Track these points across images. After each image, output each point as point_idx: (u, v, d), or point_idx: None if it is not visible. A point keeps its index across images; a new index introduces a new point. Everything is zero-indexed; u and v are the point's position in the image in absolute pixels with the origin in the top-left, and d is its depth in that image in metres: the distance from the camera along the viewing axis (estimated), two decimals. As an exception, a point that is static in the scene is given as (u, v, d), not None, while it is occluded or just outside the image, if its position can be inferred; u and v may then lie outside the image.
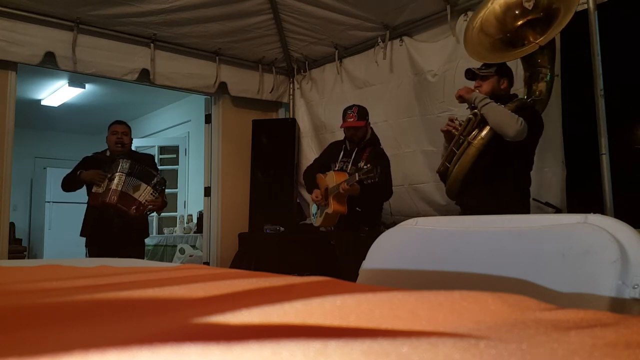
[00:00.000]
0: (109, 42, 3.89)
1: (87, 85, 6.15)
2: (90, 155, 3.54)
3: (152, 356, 0.28)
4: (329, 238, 4.01)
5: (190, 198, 6.68)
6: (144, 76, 4.06)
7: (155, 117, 7.63)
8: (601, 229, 0.78)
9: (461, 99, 2.49)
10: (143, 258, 3.61)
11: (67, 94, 6.39)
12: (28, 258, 7.16)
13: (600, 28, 2.68)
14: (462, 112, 2.80)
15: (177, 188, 6.77)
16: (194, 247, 5.57)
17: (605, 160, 2.60)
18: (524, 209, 2.40)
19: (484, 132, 2.34)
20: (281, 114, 5.06)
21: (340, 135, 3.96)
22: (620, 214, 2.29)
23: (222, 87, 4.52)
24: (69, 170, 3.50)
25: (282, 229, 4.35)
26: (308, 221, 4.55)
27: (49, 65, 3.70)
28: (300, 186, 4.66)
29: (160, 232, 6.60)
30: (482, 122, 2.36)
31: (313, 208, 3.40)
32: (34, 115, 7.10)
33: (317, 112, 4.65)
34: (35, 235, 7.84)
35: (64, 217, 7.09)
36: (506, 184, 2.36)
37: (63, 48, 3.67)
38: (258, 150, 4.71)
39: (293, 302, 0.41)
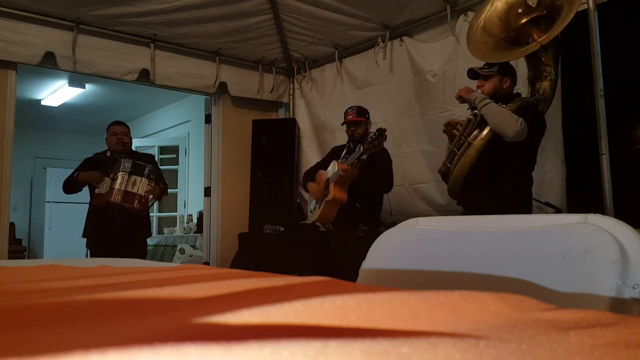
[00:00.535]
0: (109, 42, 3.89)
1: (87, 85, 6.15)
2: (90, 156, 3.55)
3: (152, 356, 0.28)
4: (328, 238, 4.01)
5: (190, 198, 6.68)
6: (144, 76, 4.06)
7: (155, 117, 7.63)
8: (601, 229, 0.78)
9: (461, 99, 2.49)
10: (145, 258, 3.62)
11: (67, 94, 6.39)
12: (28, 258, 7.15)
13: (600, 28, 2.68)
14: (463, 112, 2.81)
15: (177, 188, 6.77)
16: (194, 247, 5.57)
17: (605, 160, 2.60)
18: (525, 209, 2.39)
19: (484, 133, 2.34)
20: (281, 114, 5.06)
21: (340, 136, 3.97)
22: (620, 214, 2.29)
23: (222, 87, 4.52)
24: (69, 170, 3.51)
25: (282, 229, 4.35)
26: (308, 221, 4.55)
27: (49, 65, 3.70)
28: (300, 186, 4.66)
29: (160, 232, 6.60)
30: (482, 123, 2.36)
31: (311, 204, 3.38)
32: (34, 115, 7.09)
33: (317, 112, 4.65)
34: (35, 235, 7.84)
35: (64, 217, 7.09)
36: (506, 184, 2.36)
37: (63, 48, 3.67)
38: (258, 150, 4.71)
39: (293, 302, 0.41)
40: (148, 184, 3.36)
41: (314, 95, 4.69)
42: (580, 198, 2.92)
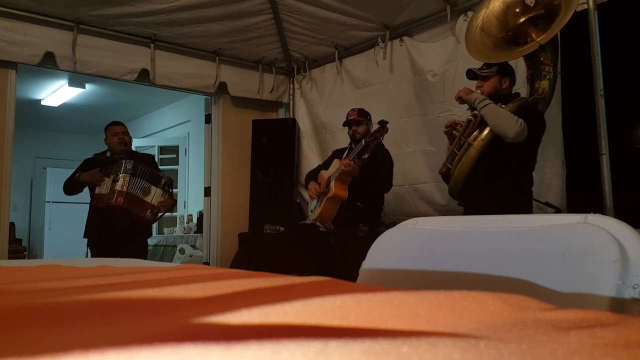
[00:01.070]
0: (109, 42, 3.89)
1: (87, 85, 6.15)
2: (90, 156, 3.54)
3: (152, 356, 0.28)
4: (328, 238, 4.01)
5: (190, 198, 6.68)
6: (144, 76, 4.06)
7: (155, 117, 7.63)
8: (601, 229, 0.78)
9: (461, 100, 2.49)
10: (146, 258, 3.62)
11: (67, 94, 6.39)
12: (28, 258, 7.15)
13: (600, 28, 2.68)
14: (463, 113, 2.81)
15: (177, 188, 6.76)
16: (194, 247, 5.57)
17: (605, 160, 2.60)
18: (525, 209, 2.39)
19: (483, 133, 2.34)
20: (281, 114, 5.06)
21: (340, 136, 3.97)
22: (620, 214, 2.29)
23: (222, 87, 4.52)
24: (68, 170, 3.50)
25: (282, 229, 4.35)
26: (308, 221, 4.55)
27: (49, 65, 3.70)
28: (300, 186, 4.66)
29: (160, 232, 6.59)
30: (482, 123, 2.36)
31: (312, 204, 3.39)
32: (34, 115, 7.09)
33: (317, 112, 4.65)
34: (35, 235, 7.84)
35: (64, 217, 7.09)
36: (506, 184, 2.36)
37: (63, 48, 3.67)
38: (258, 150, 4.71)
39: (293, 302, 0.41)
40: (162, 195, 3.35)
41: (314, 95, 4.69)
42: (580, 198, 2.92)
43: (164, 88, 4.39)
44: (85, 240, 3.43)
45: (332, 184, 3.08)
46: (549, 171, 2.94)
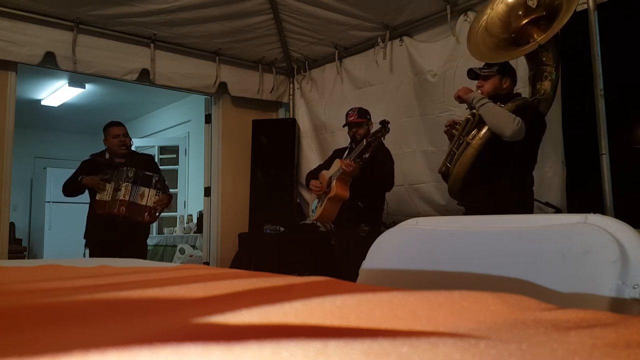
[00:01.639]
0: (109, 42, 3.89)
1: (87, 85, 6.15)
2: (88, 158, 3.52)
3: (152, 356, 0.28)
4: (329, 238, 4.01)
5: (190, 198, 6.68)
6: (144, 76, 4.06)
7: (155, 117, 7.63)
8: (601, 229, 0.78)
9: (460, 99, 2.50)
10: (145, 258, 3.62)
11: (67, 94, 6.39)
12: (28, 258, 7.15)
13: (600, 28, 2.68)
14: (462, 112, 2.80)
15: (177, 188, 6.77)
16: (194, 247, 5.57)
17: (605, 160, 2.60)
18: (525, 208, 2.39)
19: (481, 132, 2.34)
20: (281, 114, 5.06)
21: (340, 136, 3.97)
22: (620, 214, 2.29)
23: (222, 87, 4.52)
24: (68, 171, 3.50)
25: (282, 229, 4.35)
26: (308, 221, 4.55)
27: (49, 65, 3.69)
28: (300, 186, 4.66)
29: (160, 232, 6.60)
30: (480, 122, 2.37)
31: (313, 204, 3.39)
32: (34, 115, 7.09)
33: (317, 112, 4.65)
34: (35, 235, 7.84)
35: (64, 217, 7.09)
36: (504, 183, 2.36)
37: (63, 48, 3.67)
38: (258, 150, 4.71)
39: (293, 302, 0.40)
40: (156, 194, 3.34)
41: (314, 95, 4.69)
42: (580, 198, 2.92)
43: (164, 88, 4.39)
44: (85, 240, 3.44)
45: (334, 184, 3.08)
46: (549, 171, 2.94)
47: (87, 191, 3.42)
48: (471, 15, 3.30)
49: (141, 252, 3.42)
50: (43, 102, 6.71)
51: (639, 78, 2.71)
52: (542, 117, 2.41)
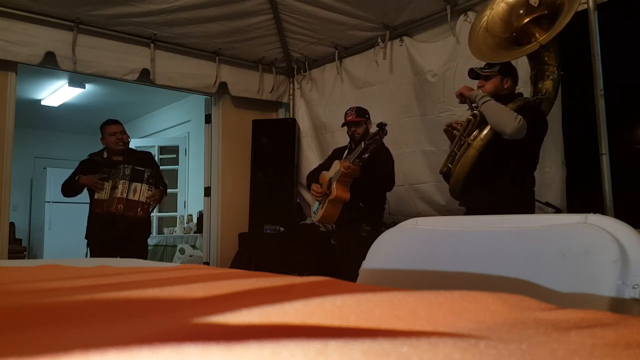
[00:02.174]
0: (109, 42, 3.89)
1: (87, 85, 6.15)
2: (86, 158, 3.52)
3: (152, 356, 0.28)
4: (329, 238, 4.01)
5: (190, 198, 6.68)
6: (144, 76, 4.06)
7: (155, 117, 7.63)
8: (601, 229, 0.78)
9: (462, 96, 2.49)
10: (146, 257, 3.63)
11: (67, 94, 6.39)
12: (28, 258, 7.15)
13: (600, 28, 2.68)
14: (462, 112, 2.80)
15: (177, 188, 6.77)
16: (194, 247, 5.57)
17: (605, 160, 2.60)
18: (525, 209, 2.39)
19: (483, 133, 2.34)
20: (281, 114, 5.06)
21: (340, 136, 3.97)
22: (620, 214, 2.29)
23: (222, 87, 4.52)
24: (68, 171, 3.50)
25: (282, 229, 4.35)
26: (308, 221, 4.55)
27: (49, 65, 3.69)
28: (300, 186, 4.66)
29: (160, 232, 6.59)
30: (481, 123, 2.36)
31: (314, 205, 3.40)
32: (34, 115, 7.09)
33: (317, 112, 4.65)
34: (35, 235, 7.84)
35: (64, 217, 7.09)
36: (504, 183, 2.36)
37: (63, 48, 3.67)
38: (258, 150, 4.71)
39: (293, 302, 0.40)
40: (148, 189, 3.35)
41: (314, 95, 4.69)
42: (580, 198, 2.92)
43: (165, 88, 4.39)
44: (86, 241, 3.44)
45: (334, 185, 3.08)
46: (549, 171, 2.94)
47: (86, 191, 3.43)
48: (471, 15, 3.30)
49: (141, 251, 3.43)
50: (43, 102, 6.71)
51: (639, 78, 2.71)
52: (544, 117, 2.41)
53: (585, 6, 2.69)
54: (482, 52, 2.54)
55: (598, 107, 2.64)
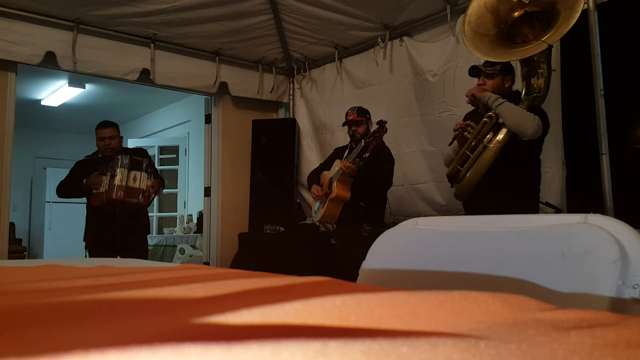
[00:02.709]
0: (109, 42, 3.89)
1: (87, 85, 6.15)
2: (82, 159, 3.51)
3: (152, 356, 0.28)
4: (329, 238, 4.01)
5: (190, 198, 6.67)
6: (144, 76, 4.06)
7: (155, 117, 7.63)
8: (601, 229, 0.78)
9: (473, 98, 2.44)
10: (147, 252, 3.64)
11: (67, 94, 6.39)
12: (28, 258, 7.16)
13: (600, 28, 2.68)
14: (462, 112, 2.80)
15: (177, 188, 6.77)
16: (194, 247, 5.57)
17: (605, 160, 2.59)
18: (531, 209, 2.38)
19: (500, 136, 2.29)
20: (281, 114, 5.06)
21: (340, 136, 3.98)
22: (620, 214, 2.29)
23: (223, 87, 4.52)
24: (68, 171, 3.50)
25: (282, 229, 4.35)
26: (308, 221, 4.55)
27: (49, 65, 3.69)
28: (300, 186, 4.66)
29: (160, 232, 6.59)
30: (496, 125, 2.32)
31: (315, 205, 3.40)
32: (34, 115, 7.10)
33: (317, 112, 4.65)
34: (35, 235, 7.84)
35: (64, 217, 7.10)
36: (514, 185, 2.33)
37: (63, 48, 3.67)
38: (258, 150, 4.71)
39: (293, 302, 0.40)
40: (148, 178, 3.36)
41: (314, 95, 4.69)
42: (580, 198, 2.93)
43: (165, 88, 4.39)
44: (84, 243, 3.43)
45: (334, 185, 3.09)
46: (549, 171, 2.94)
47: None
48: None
49: (141, 246, 3.43)
50: (43, 102, 6.71)
51: (639, 78, 2.71)
52: (547, 116, 2.40)
53: (585, 6, 2.69)
54: (479, 48, 2.49)
55: (598, 107, 2.64)
